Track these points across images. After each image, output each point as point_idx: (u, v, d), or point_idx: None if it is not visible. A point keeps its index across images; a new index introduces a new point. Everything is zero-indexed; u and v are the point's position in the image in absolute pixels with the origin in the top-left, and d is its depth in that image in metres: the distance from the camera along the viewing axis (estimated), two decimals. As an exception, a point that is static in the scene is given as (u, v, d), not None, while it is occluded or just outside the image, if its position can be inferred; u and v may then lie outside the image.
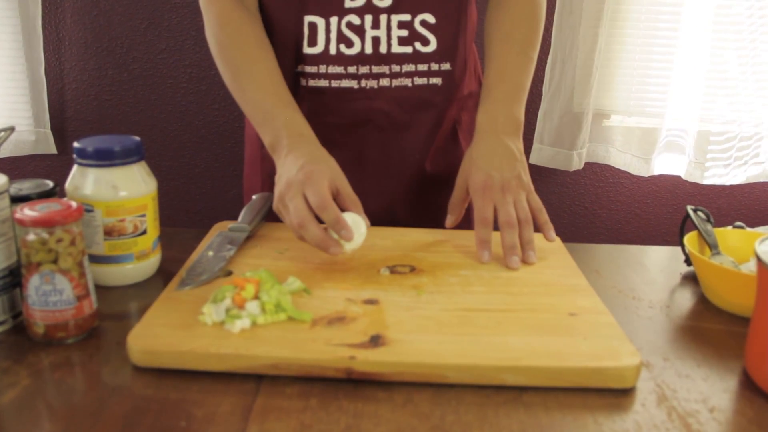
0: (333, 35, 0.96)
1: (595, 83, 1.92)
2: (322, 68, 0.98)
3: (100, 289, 0.76)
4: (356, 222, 0.79)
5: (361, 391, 0.61)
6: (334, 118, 0.99)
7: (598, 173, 2.08)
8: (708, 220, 0.90)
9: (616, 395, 0.62)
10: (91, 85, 1.99)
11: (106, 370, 0.64)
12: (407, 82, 0.99)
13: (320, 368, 0.61)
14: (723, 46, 1.90)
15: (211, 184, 2.07)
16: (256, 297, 0.68)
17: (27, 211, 0.65)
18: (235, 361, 0.62)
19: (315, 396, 0.60)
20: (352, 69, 0.97)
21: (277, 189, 0.84)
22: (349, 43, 0.96)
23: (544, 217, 0.89)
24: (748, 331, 0.68)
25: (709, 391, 0.64)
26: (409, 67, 0.98)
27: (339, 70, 0.97)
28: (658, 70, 1.94)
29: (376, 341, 0.64)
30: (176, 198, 2.08)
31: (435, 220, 1.00)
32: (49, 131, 1.98)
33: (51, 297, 0.66)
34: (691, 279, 0.89)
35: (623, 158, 2.01)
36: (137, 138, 0.80)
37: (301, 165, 0.82)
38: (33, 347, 0.67)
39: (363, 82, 0.98)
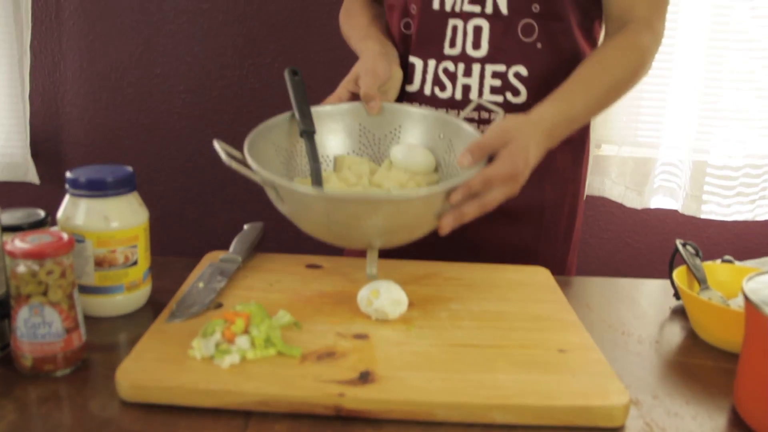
0: (429, 77, 1.03)
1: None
2: (416, 106, 1.02)
3: (90, 319, 0.75)
4: (399, 295, 0.78)
5: (349, 428, 0.61)
6: None
7: (589, 202, 2.08)
8: (697, 255, 0.90)
9: (605, 434, 0.62)
10: (84, 109, 1.99)
11: (94, 404, 0.63)
12: None
13: (309, 405, 0.61)
14: (717, 77, 1.88)
15: (203, 210, 2.07)
16: (246, 331, 0.68)
17: (18, 243, 0.65)
18: (223, 397, 0.62)
19: (303, 433, 0.60)
20: (442, 111, 1.00)
21: None
22: (443, 87, 1.02)
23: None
24: (737, 368, 0.68)
25: (699, 430, 0.64)
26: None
27: None
28: (651, 101, 1.93)
29: (365, 378, 0.64)
30: (168, 223, 2.07)
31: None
32: (30, 158, 1.98)
33: (40, 329, 0.66)
34: (680, 313, 0.89)
35: (617, 190, 2.00)
36: (130, 168, 0.80)
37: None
38: (20, 380, 0.66)
39: None
